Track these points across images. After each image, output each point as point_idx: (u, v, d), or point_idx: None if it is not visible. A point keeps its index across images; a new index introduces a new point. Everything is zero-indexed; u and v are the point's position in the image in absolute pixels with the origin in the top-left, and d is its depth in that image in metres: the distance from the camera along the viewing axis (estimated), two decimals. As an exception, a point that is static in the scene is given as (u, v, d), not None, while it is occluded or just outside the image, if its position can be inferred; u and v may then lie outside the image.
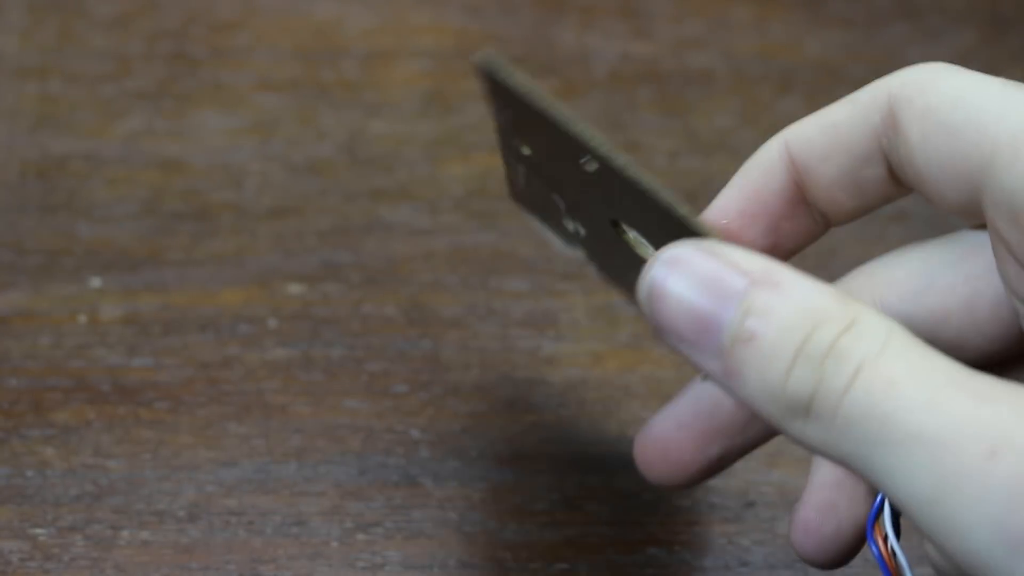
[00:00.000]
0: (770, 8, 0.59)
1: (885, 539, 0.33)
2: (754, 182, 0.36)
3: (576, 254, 0.37)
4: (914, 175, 0.34)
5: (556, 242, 0.38)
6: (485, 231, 0.51)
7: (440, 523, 0.43)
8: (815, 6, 0.59)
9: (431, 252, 0.50)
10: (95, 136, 0.53)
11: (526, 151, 0.36)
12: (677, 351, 0.31)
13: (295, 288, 0.49)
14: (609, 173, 0.33)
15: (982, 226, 0.34)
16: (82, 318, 0.48)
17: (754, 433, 0.36)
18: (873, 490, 0.35)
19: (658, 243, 0.32)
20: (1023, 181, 0.31)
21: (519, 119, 0.35)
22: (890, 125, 0.34)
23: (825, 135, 0.35)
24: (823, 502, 0.36)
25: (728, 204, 0.36)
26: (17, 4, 0.57)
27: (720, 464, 0.37)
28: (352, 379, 0.46)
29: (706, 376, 0.31)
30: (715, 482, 0.43)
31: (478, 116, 0.55)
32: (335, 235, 0.50)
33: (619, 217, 0.34)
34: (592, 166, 0.33)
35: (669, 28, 0.58)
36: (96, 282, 0.49)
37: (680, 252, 0.31)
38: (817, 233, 0.36)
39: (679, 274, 0.30)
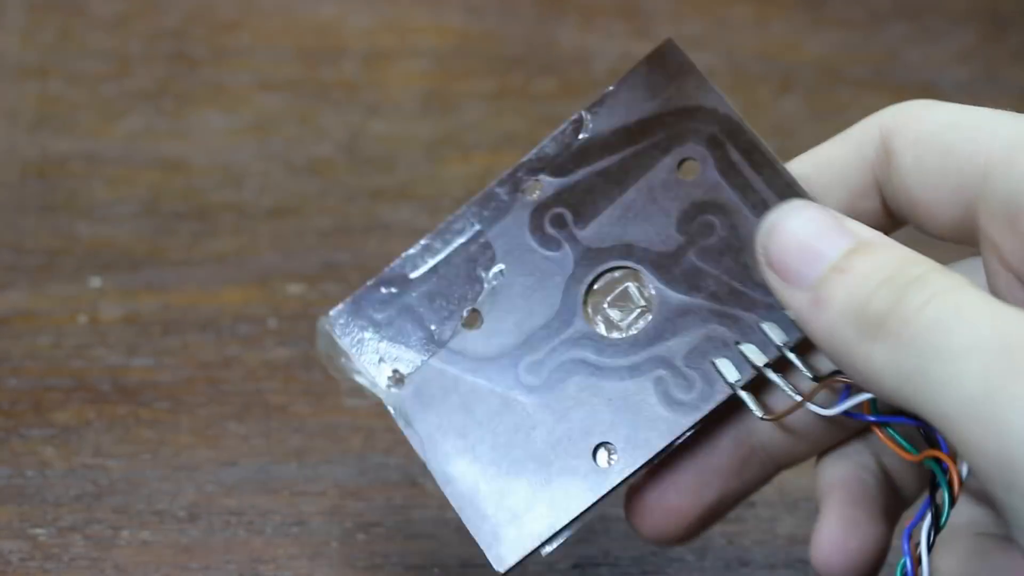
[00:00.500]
0: (770, 8, 0.59)
1: (916, 548, 0.33)
2: None
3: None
4: (907, 201, 0.35)
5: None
6: (485, 231, 0.51)
7: (440, 523, 0.43)
8: (815, 6, 0.59)
9: (431, 252, 0.50)
10: (95, 136, 0.53)
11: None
12: (772, 286, 0.34)
13: (295, 288, 0.49)
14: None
15: (973, 255, 0.35)
16: (82, 318, 0.48)
17: (750, 476, 0.37)
18: (891, 507, 0.36)
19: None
20: (1018, 184, 0.33)
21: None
22: (883, 157, 0.35)
23: (821, 172, 0.36)
24: (846, 519, 0.36)
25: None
26: (17, 4, 0.57)
27: (715, 511, 0.37)
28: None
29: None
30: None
31: (478, 116, 0.55)
32: (335, 235, 0.50)
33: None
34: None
35: (669, 28, 0.58)
36: (96, 282, 0.49)
37: (806, 203, 0.34)
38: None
39: (802, 217, 0.34)
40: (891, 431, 0.34)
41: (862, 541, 0.36)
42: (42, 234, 0.50)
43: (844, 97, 0.56)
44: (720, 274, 0.36)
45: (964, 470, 0.33)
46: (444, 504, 0.43)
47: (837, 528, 0.36)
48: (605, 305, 0.37)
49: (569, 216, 0.37)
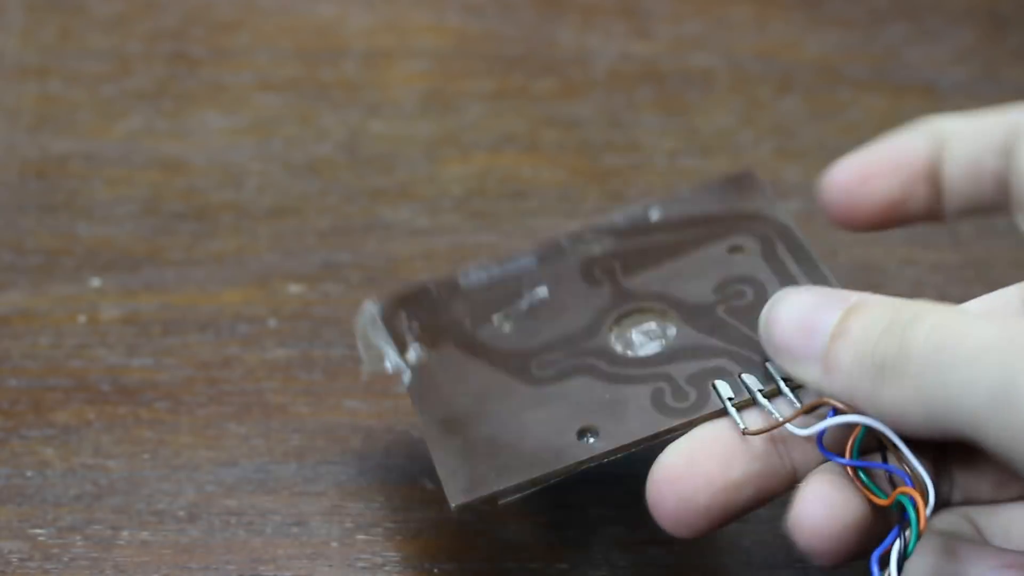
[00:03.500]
0: (770, 8, 0.59)
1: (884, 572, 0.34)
2: (897, 144, 0.39)
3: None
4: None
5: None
6: (485, 231, 0.51)
7: (440, 523, 0.43)
8: (815, 6, 0.59)
9: (431, 252, 0.50)
10: (95, 136, 0.53)
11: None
12: (785, 368, 0.36)
13: (295, 288, 0.49)
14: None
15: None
16: (82, 318, 0.48)
17: (773, 463, 0.37)
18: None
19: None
20: None
21: None
22: (1012, 147, 0.37)
23: (958, 139, 0.38)
24: (831, 483, 0.36)
25: (868, 156, 0.39)
26: (17, 4, 0.57)
27: (737, 508, 0.37)
28: (352, 379, 0.46)
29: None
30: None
31: (478, 116, 0.55)
32: (335, 235, 0.50)
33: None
34: None
35: (669, 28, 0.58)
36: (96, 282, 0.49)
37: (795, 288, 0.37)
38: (929, 215, 0.39)
39: (793, 300, 0.36)
40: (863, 475, 0.35)
41: (846, 510, 0.36)
42: (42, 234, 0.50)
43: (844, 97, 0.56)
44: (740, 325, 0.39)
45: (931, 505, 0.34)
46: (444, 504, 0.43)
47: (821, 494, 0.36)
48: (631, 332, 0.40)
49: (619, 267, 0.41)
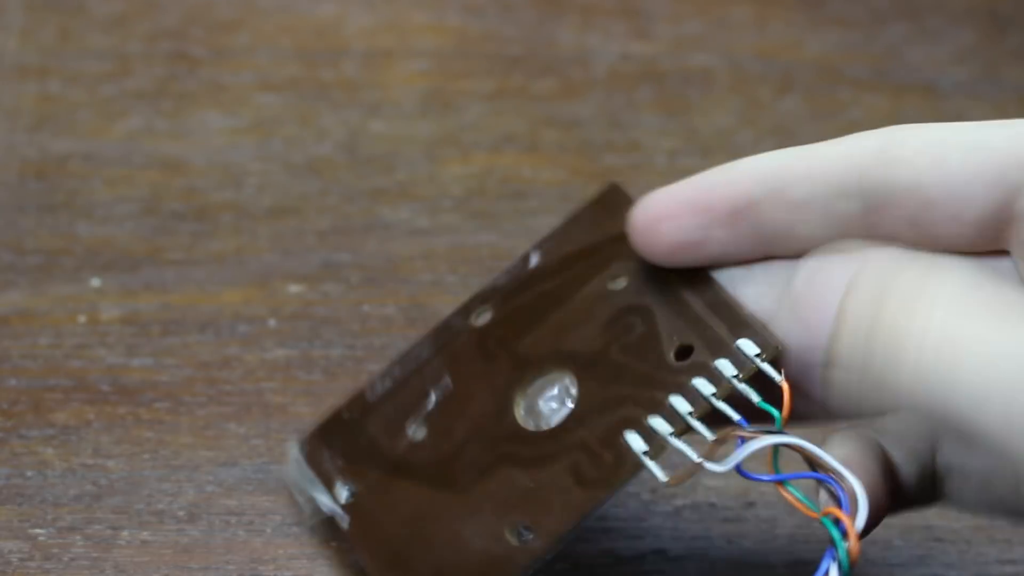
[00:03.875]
0: (770, 8, 0.59)
1: None
2: (702, 185, 0.38)
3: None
4: (920, 204, 0.35)
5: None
6: (485, 231, 0.51)
7: (440, 523, 0.43)
8: (815, 6, 0.59)
9: (431, 252, 0.50)
10: (95, 136, 0.53)
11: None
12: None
13: (295, 288, 0.49)
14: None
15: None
16: (82, 318, 0.48)
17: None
18: (894, 493, 0.36)
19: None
20: None
21: None
22: (880, 161, 0.35)
23: (801, 160, 0.36)
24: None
25: (667, 195, 0.38)
26: (17, 4, 0.57)
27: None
28: (352, 379, 0.46)
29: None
30: (715, 482, 0.43)
31: (478, 116, 0.55)
32: (335, 235, 0.50)
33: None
34: None
35: (669, 28, 0.58)
36: (96, 282, 0.49)
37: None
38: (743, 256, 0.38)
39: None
40: (791, 487, 0.34)
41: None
42: (42, 234, 0.50)
43: (844, 97, 0.56)
44: (635, 363, 0.37)
45: (860, 523, 0.33)
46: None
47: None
48: (537, 403, 0.39)
49: (510, 333, 0.40)
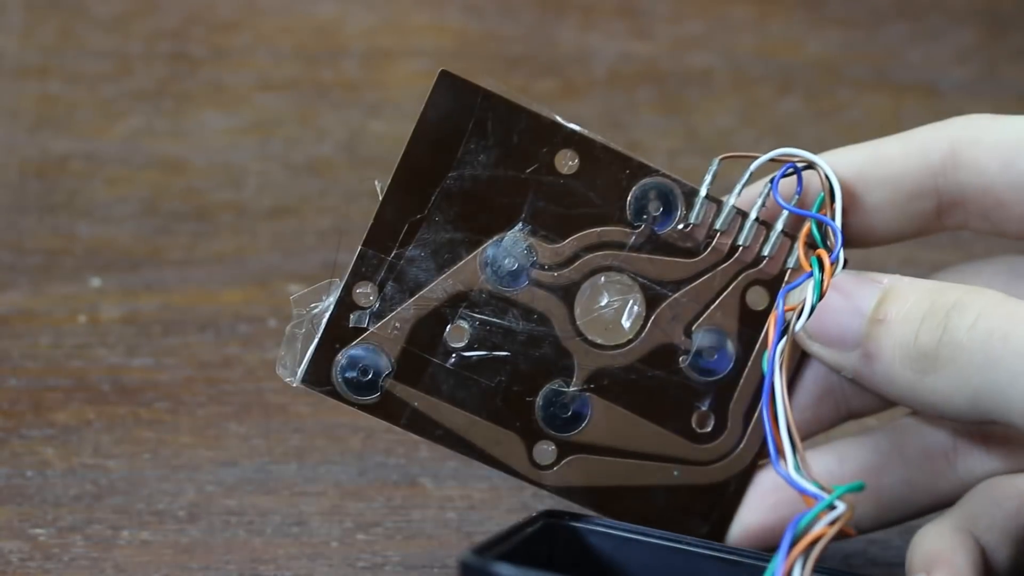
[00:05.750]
0: (770, 8, 0.59)
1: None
2: None
3: None
4: (992, 203, 0.36)
5: None
6: (485, 231, 0.51)
7: (440, 523, 0.43)
8: (815, 6, 0.59)
9: (431, 252, 0.50)
10: (95, 136, 0.53)
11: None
12: (821, 358, 0.36)
13: (295, 288, 0.49)
14: None
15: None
16: (82, 318, 0.48)
17: (824, 412, 0.38)
18: None
19: None
20: None
21: None
22: (951, 165, 0.36)
23: (877, 166, 0.37)
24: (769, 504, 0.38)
25: None
26: (17, 4, 0.57)
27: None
28: (352, 379, 0.46)
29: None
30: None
31: (478, 116, 0.55)
32: (335, 235, 0.50)
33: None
34: None
35: (669, 28, 0.58)
36: (96, 282, 0.49)
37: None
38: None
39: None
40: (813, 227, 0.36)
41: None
42: (42, 234, 0.50)
43: (844, 97, 0.56)
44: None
45: (839, 259, 0.35)
46: (444, 504, 0.43)
47: (757, 513, 0.38)
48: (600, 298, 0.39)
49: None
